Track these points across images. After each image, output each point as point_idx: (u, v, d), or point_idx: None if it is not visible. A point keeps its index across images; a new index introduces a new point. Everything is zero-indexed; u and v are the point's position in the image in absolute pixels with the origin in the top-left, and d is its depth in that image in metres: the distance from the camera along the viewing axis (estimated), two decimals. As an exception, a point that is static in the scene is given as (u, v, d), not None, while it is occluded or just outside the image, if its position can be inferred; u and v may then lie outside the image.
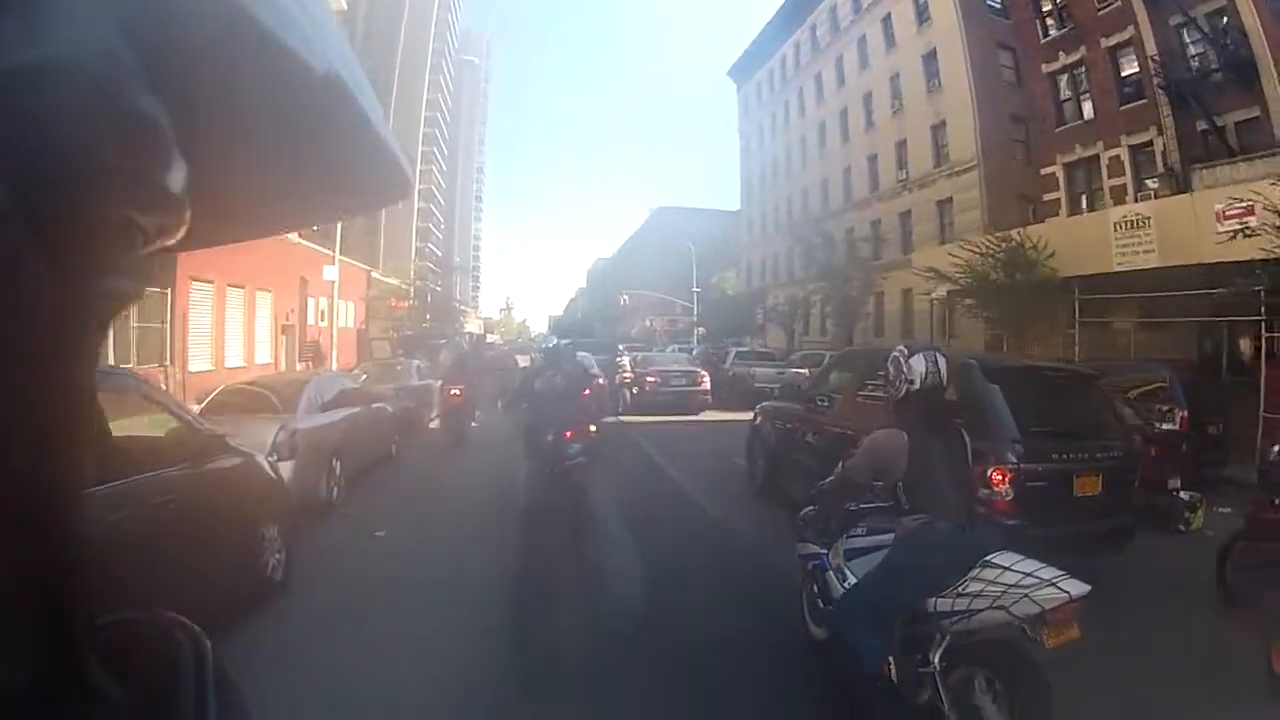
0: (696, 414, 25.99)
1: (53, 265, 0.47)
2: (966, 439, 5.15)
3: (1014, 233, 25.71)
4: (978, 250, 25.94)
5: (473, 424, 20.26)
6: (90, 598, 0.63)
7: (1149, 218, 21.99)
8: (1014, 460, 7.46)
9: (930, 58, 41.09)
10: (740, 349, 35.71)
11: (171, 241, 0.58)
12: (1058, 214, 30.68)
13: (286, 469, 9.69)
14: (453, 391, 20.02)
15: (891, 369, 5.21)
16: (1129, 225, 22.35)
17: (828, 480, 5.62)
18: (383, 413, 15.39)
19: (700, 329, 64.58)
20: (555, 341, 23.20)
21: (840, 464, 5.47)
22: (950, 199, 39.37)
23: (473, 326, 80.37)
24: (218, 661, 0.79)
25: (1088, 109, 30.87)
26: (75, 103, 0.46)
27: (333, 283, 28.42)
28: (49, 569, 0.55)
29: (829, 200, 51.93)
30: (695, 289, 67.73)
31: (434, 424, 21.21)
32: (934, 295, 30.00)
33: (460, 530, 10.42)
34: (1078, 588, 4.16)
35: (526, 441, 10.60)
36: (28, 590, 0.53)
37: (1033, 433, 7.93)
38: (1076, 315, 24.01)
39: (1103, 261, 22.59)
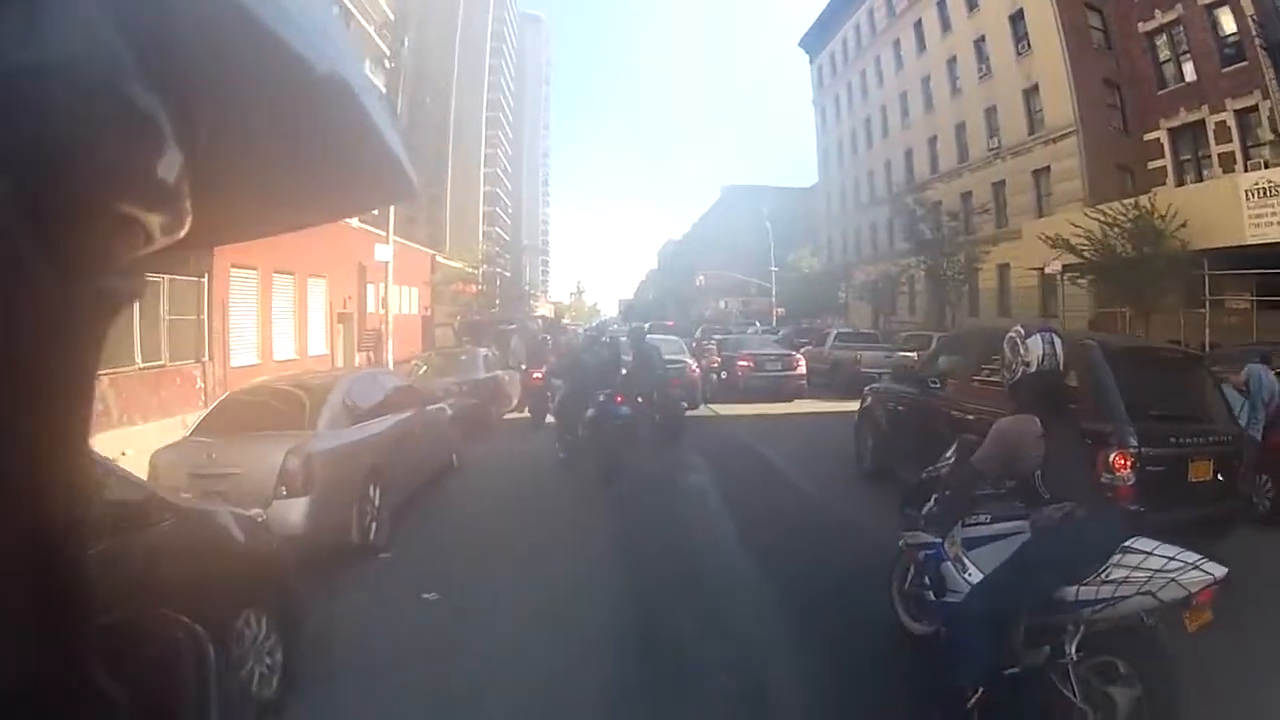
0: (790, 401, 24.49)
1: (54, 264, 0.48)
2: (1079, 422, 5.18)
3: (1144, 199, 24.05)
4: (1105, 219, 24.32)
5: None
6: (90, 598, 0.63)
7: None
8: (1135, 444, 7.27)
9: (1017, 18, 39.15)
10: (842, 330, 33.54)
11: (173, 241, 0.59)
12: (1164, 182, 29.05)
13: (298, 509, 7.70)
14: (535, 375, 19.93)
15: (1008, 351, 5.10)
16: (1262, 193, 21.13)
17: (941, 466, 5.67)
18: (440, 416, 12.87)
19: (779, 309, 62.93)
20: (633, 325, 22.00)
21: (954, 451, 5.55)
22: (1047, 168, 37.50)
23: (544, 310, 79.12)
24: (217, 661, 0.80)
25: (1189, 71, 29.27)
26: (75, 102, 0.46)
27: (387, 264, 26.59)
28: (49, 569, 0.56)
29: (914, 172, 50.07)
30: (773, 268, 65.55)
31: (511, 415, 20.34)
32: (1049, 268, 28.18)
33: (546, 582, 7.73)
34: (1219, 570, 4.17)
35: (563, 409, 13.65)
36: (28, 590, 0.54)
37: (1150, 416, 7.79)
38: (1207, 292, 22.62)
39: (1233, 232, 21.36)
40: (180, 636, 0.80)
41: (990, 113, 42.36)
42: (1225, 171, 26.35)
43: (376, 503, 9.03)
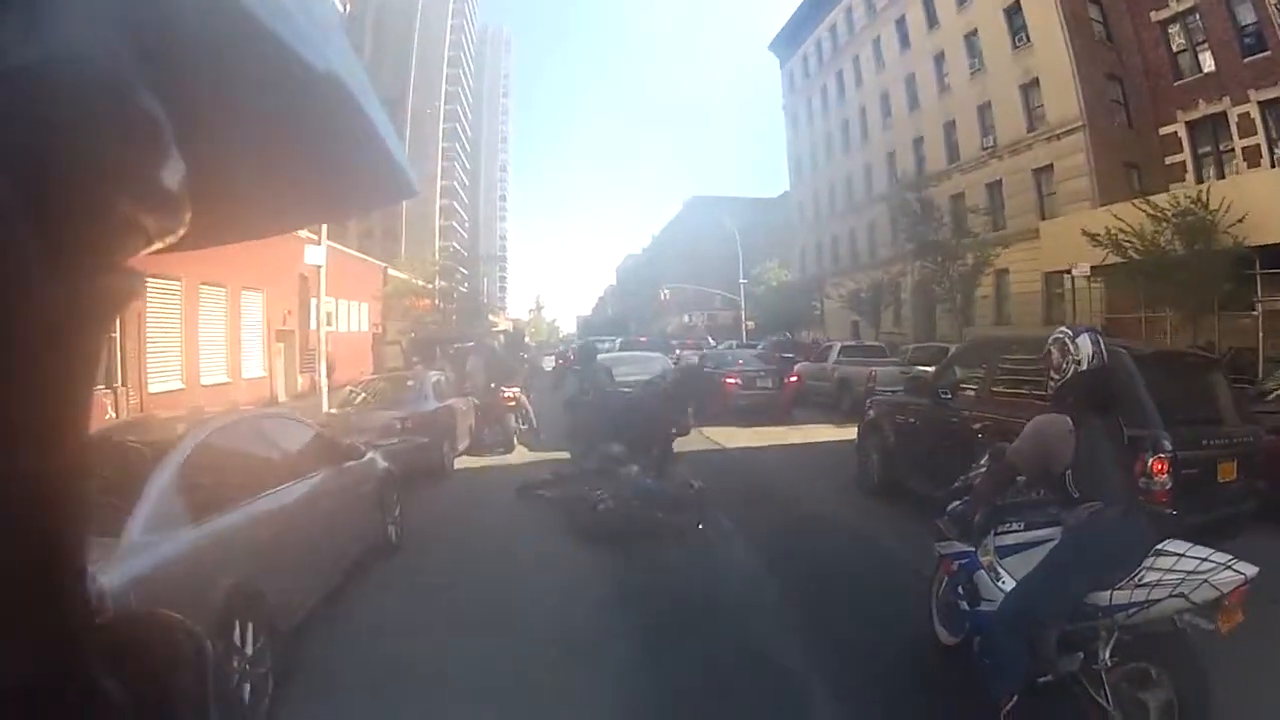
0: (786, 422, 22.06)
1: (55, 264, 0.49)
2: (1122, 424, 5.17)
3: (1191, 191, 22.59)
4: (1152, 212, 22.52)
5: (540, 436, 17.92)
6: (90, 598, 0.64)
7: None
8: (1170, 448, 7.43)
9: (1014, 10, 37.46)
10: (846, 344, 29.50)
11: (172, 241, 0.61)
12: (1183, 178, 27.98)
13: None
14: (506, 395, 17.75)
15: (1055, 352, 5.19)
16: None
17: (975, 473, 5.79)
18: (368, 472, 8.83)
19: (749, 323, 60.96)
20: (583, 341, 19.91)
21: (987, 457, 5.73)
22: (1050, 166, 35.77)
23: (504, 326, 76.45)
24: (217, 661, 0.77)
25: (1207, 61, 28.02)
26: (76, 103, 0.47)
27: (319, 268, 22.86)
28: (49, 569, 0.57)
29: (896, 175, 47.57)
30: (742, 280, 63.31)
31: (471, 458, 16.72)
32: (1075, 270, 26.17)
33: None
34: (1250, 569, 4.22)
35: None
36: (28, 590, 0.55)
37: (1180, 420, 7.95)
38: (1259, 293, 21.37)
39: None
40: (180, 636, 0.79)
41: (984, 110, 40.66)
42: (1251, 166, 25.46)
43: (248, 652, 5.03)
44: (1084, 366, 5.03)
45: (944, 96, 44.11)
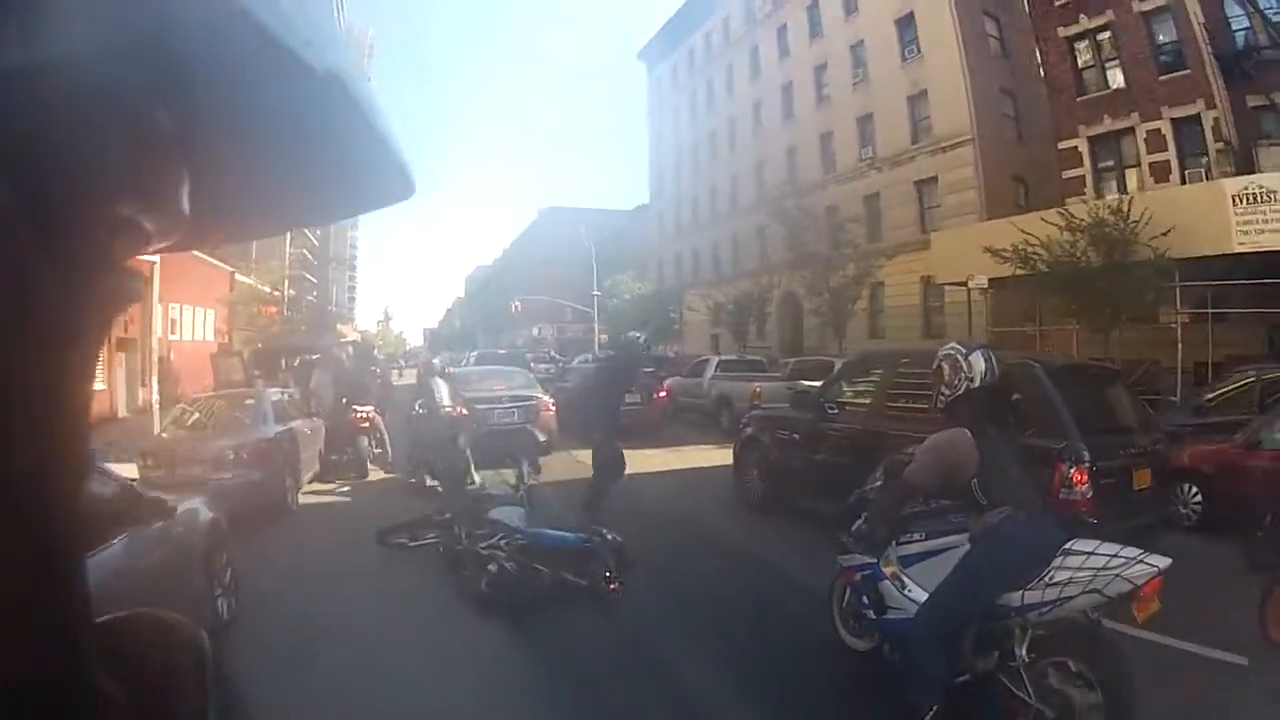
0: (657, 443, 19.40)
1: (53, 265, 0.49)
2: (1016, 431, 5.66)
3: (1111, 201, 22.40)
4: (1063, 224, 21.89)
5: (388, 465, 16.02)
6: (90, 598, 0.63)
7: (1275, 191, 19.56)
8: (1088, 458, 7.66)
9: (906, 22, 36.79)
10: (725, 359, 27.98)
11: (172, 241, 0.62)
12: (1082, 192, 27.79)
13: None
14: (359, 414, 15.77)
15: (947, 368, 5.37)
16: (1251, 199, 19.85)
17: (872, 488, 5.98)
18: (184, 536, 6.63)
19: (603, 336, 58.93)
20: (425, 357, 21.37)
21: (880, 471, 6.06)
22: (934, 178, 35.18)
23: (352, 337, 72.32)
24: (217, 661, 0.81)
25: (1115, 78, 28.16)
26: (75, 103, 0.47)
27: (153, 264, 19.52)
28: (49, 569, 0.56)
29: (764, 186, 46.75)
30: (595, 292, 61.84)
31: (321, 488, 14.38)
32: (971, 283, 25.17)
33: None
34: (1163, 561, 4.47)
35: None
36: (28, 590, 0.55)
37: (1095, 430, 8.30)
38: (1179, 306, 21.21)
39: (1218, 240, 19.93)
40: (180, 636, 0.80)
41: (864, 121, 39.92)
42: (1159, 181, 25.81)
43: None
44: (976, 383, 5.20)
45: (822, 107, 43.27)
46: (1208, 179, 23.97)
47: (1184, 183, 24.79)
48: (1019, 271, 22.83)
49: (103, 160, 0.48)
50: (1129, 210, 21.03)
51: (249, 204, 0.69)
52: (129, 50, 0.47)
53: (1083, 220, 21.65)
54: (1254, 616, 6.54)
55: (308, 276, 64.17)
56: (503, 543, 8.15)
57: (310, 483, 13.95)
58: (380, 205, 0.78)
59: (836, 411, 10.96)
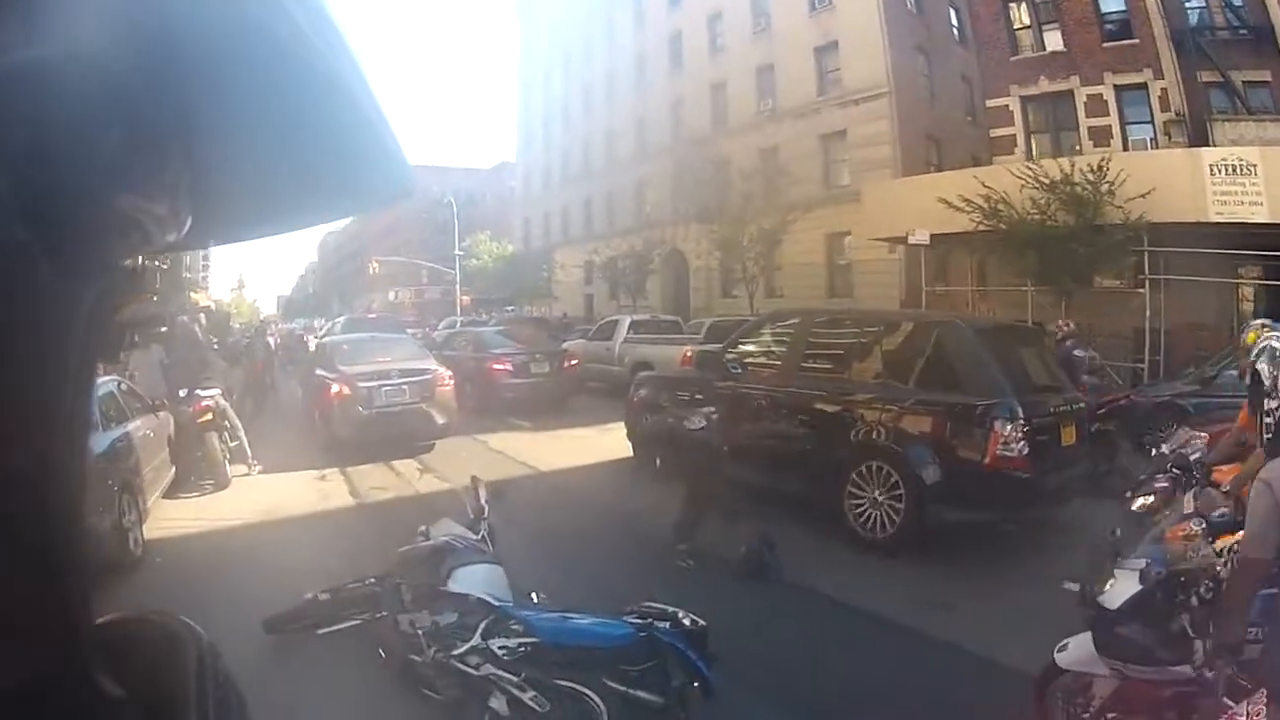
0: (572, 419, 17.35)
1: (54, 264, 0.49)
2: None
3: (1102, 159, 21.06)
4: (1033, 180, 20.99)
5: (250, 462, 12.68)
6: (90, 598, 0.64)
7: (1255, 164, 19.32)
8: (1023, 415, 7.87)
9: None
10: (637, 319, 24.80)
11: (172, 241, 0.62)
12: (1012, 151, 27.92)
13: None
14: (201, 402, 11.87)
15: (1268, 366, 4.00)
16: (1231, 169, 19.61)
17: (1134, 596, 4.13)
18: None
19: (465, 298, 56.27)
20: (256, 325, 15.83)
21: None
22: (843, 132, 33.71)
23: (207, 304, 66.53)
24: (217, 661, 0.80)
25: (1053, 40, 28.64)
26: (76, 102, 0.47)
27: None
28: (49, 569, 0.57)
29: (646, 140, 45.33)
30: (458, 252, 58.06)
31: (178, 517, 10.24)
32: (913, 238, 23.73)
33: None
34: None
35: None
36: (28, 590, 0.55)
37: (1030, 388, 8.77)
38: (1147, 270, 20.78)
39: (1194, 209, 19.67)
40: (180, 636, 0.78)
41: (764, 72, 38.04)
42: (1098, 145, 25.62)
43: None
44: None
45: (715, 57, 41.32)
46: (1153, 147, 24.62)
47: (1125, 148, 24.86)
48: (982, 226, 21.66)
49: (102, 160, 0.49)
50: (1106, 170, 20.32)
51: (249, 203, 0.68)
52: (129, 51, 0.48)
53: (1050, 177, 20.90)
54: None
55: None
56: (499, 648, 4.59)
57: (162, 497, 10.39)
58: (380, 205, 0.78)
59: (740, 372, 10.62)
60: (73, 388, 0.53)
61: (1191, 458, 5.65)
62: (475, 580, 4.90)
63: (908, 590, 7.44)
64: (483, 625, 4.62)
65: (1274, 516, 3.72)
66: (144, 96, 0.50)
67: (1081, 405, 9.36)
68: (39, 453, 0.51)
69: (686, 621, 4.52)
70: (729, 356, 11.01)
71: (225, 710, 0.76)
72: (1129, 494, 6.00)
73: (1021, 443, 7.78)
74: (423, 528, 5.50)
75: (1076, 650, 4.61)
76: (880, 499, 8.63)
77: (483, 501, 5.83)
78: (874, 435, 8.95)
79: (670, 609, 4.62)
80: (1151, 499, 5.66)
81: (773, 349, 11.03)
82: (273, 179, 0.65)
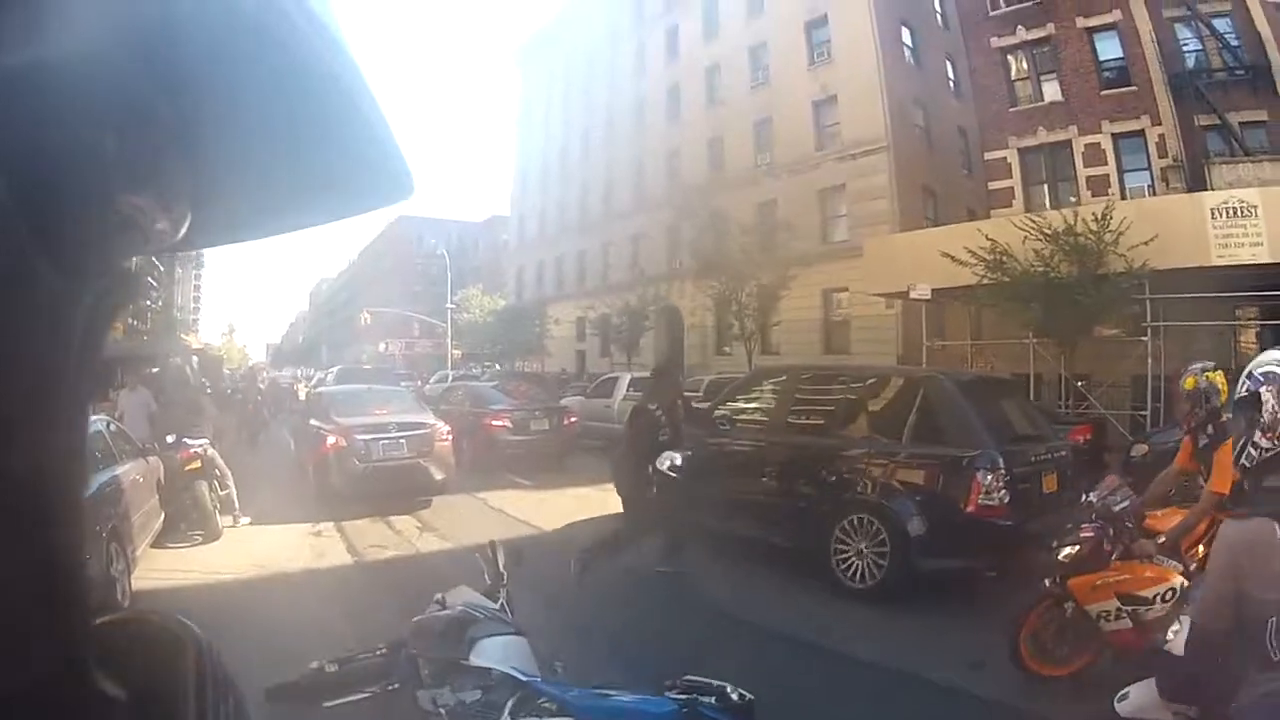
0: (573, 479, 16.56)
1: (54, 264, 0.49)
2: None
3: (1106, 207, 21.07)
4: (1036, 231, 20.99)
5: (236, 514, 12.11)
6: (90, 598, 0.64)
7: (1255, 206, 19.37)
8: (1004, 465, 8.04)
9: (817, 25, 35.58)
10: (638, 376, 24.04)
11: (172, 241, 0.63)
12: (1010, 204, 27.83)
13: None
14: (189, 449, 11.40)
15: (1273, 399, 3.55)
16: (1231, 212, 19.66)
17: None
18: None
19: (456, 352, 57.00)
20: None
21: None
22: (841, 186, 33.68)
23: (198, 348, 65.80)
24: (217, 661, 0.80)
25: (1050, 91, 28.43)
26: (75, 102, 0.47)
27: None
28: (49, 569, 0.57)
29: (642, 193, 45.23)
30: (450, 305, 58.83)
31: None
32: (914, 293, 23.63)
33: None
34: None
35: None
36: (28, 590, 0.55)
37: (1012, 437, 9.02)
38: (1149, 318, 20.61)
39: (1196, 253, 19.63)
40: (180, 636, 0.78)
41: (762, 125, 38.13)
42: (1096, 195, 25.36)
43: None
44: None
45: (711, 110, 41.46)
46: (1152, 195, 24.41)
47: (1123, 197, 24.63)
48: (986, 279, 21.61)
49: (102, 160, 0.49)
50: (1109, 219, 20.34)
51: (249, 204, 0.69)
52: (129, 51, 0.48)
53: (1054, 228, 20.88)
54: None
55: (150, 279, 58.06)
56: None
57: (151, 546, 9.95)
58: (380, 205, 0.76)
59: (729, 428, 10.70)
60: (72, 388, 0.54)
61: (1115, 508, 5.80)
62: (497, 653, 4.32)
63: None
64: (510, 703, 4.09)
65: (1228, 580, 3.57)
66: (144, 97, 0.51)
67: (1064, 454, 9.53)
68: (38, 453, 0.51)
69: (735, 696, 4.08)
70: (718, 414, 10.99)
71: (224, 710, 0.76)
72: (1054, 544, 6.16)
73: (1003, 491, 7.97)
74: (439, 596, 5.03)
75: (1139, 698, 4.50)
76: (865, 550, 8.76)
77: (501, 567, 5.44)
78: (859, 490, 9.09)
79: (715, 683, 4.14)
80: (1077, 549, 5.89)
81: (759, 405, 11.18)
82: (273, 179, 0.64)
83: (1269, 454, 3.65)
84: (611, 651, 6.76)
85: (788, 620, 7.98)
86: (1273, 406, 3.65)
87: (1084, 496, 6.42)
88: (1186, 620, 4.29)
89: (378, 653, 4.89)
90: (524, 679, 3.98)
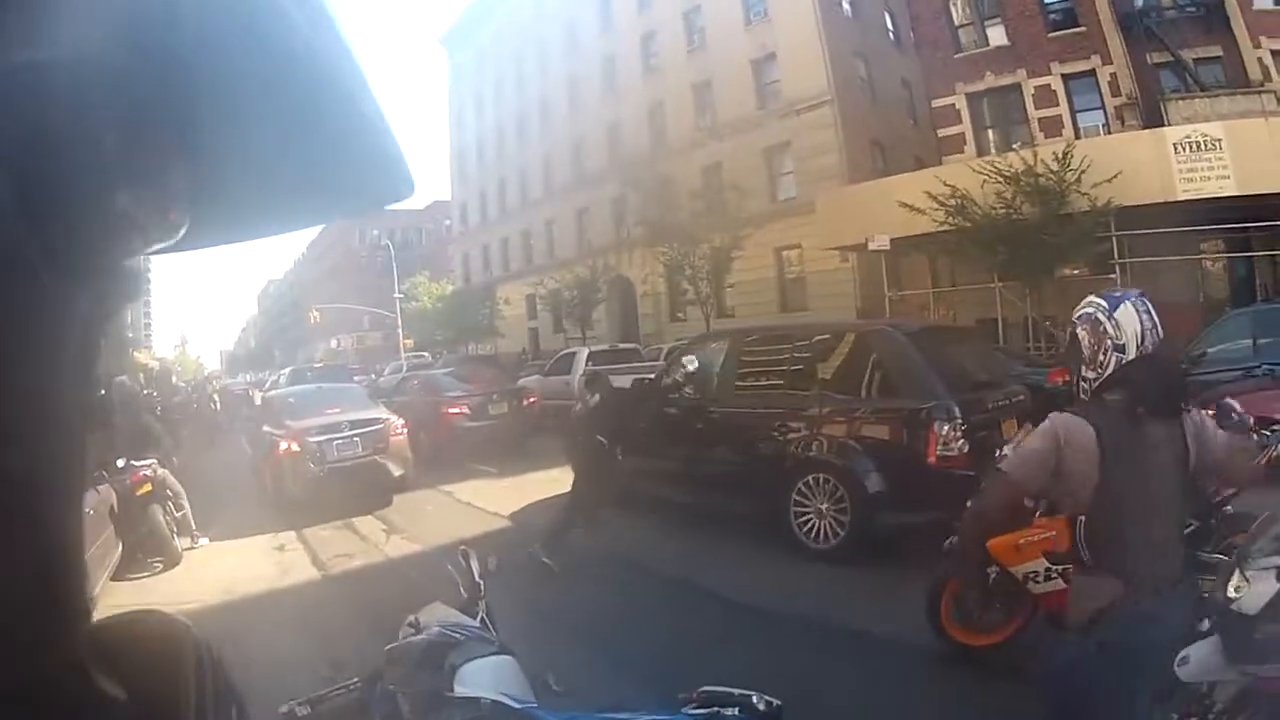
0: (536, 462, 15.43)
1: (53, 265, 0.49)
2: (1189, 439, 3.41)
3: (1066, 147, 21.09)
4: (995, 174, 21.01)
5: (193, 534, 11.29)
6: (89, 597, 0.65)
7: (1220, 139, 19.53)
8: (959, 414, 7.90)
9: None
10: (596, 350, 24.25)
11: (172, 241, 0.63)
12: (961, 150, 27.77)
13: None
14: (139, 473, 10.51)
15: (1086, 334, 3.53)
16: (1195, 146, 19.77)
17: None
18: None
19: (408, 341, 55.16)
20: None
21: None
22: (786, 143, 33.31)
23: (150, 364, 64.25)
24: (217, 661, 0.81)
25: (996, 35, 28.39)
26: (75, 102, 0.47)
27: None
28: (49, 569, 0.57)
29: (584, 165, 44.61)
30: (397, 295, 57.14)
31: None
32: (873, 244, 23.31)
33: None
34: None
35: None
36: (28, 590, 0.55)
37: (967, 385, 8.74)
38: (1115, 254, 20.60)
39: (1160, 189, 19.78)
40: (178, 636, 0.78)
41: (701, 89, 37.65)
42: (1049, 136, 25.40)
43: None
44: (1131, 352, 3.33)
45: (650, 78, 40.77)
46: (1106, 133, 24.48)
47: (1077, 136, 24.49)
48: (947, 225, 21.42)
49: (101, 160, 0.49)
50: (1069, 158, 20.32)
51: (249, 204, 0.69)
52: (128, 51, 0.48)
53: (1014, 169, 20.85)
54: None
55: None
56: None
57: (111, 579, 9.38)
58: (380, 204, 0.78)
59: (678, 396, 10.50)
60: (70, 388, 0.54)
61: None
62: (485, 678, 3.71)
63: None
64: None
65: (1042, 452, 3.40)
66: (144, 97, 0.50)
67: (1021, 398, 9.32)
68: (37, 453, 0.51)
69: (761, 705, 3.51)
70: (666, 382, 10.85)
71: (223, 709, 0.76)
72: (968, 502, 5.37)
73: (961, 441, 7.86)
74: (411, 618, 4.32)
75: (1201, 660, 4.12)
76: (826, 510, 8.65)
77: (477, 577, 4.74)
78: (815, 449, 8.96)
79: (738, 692, 3.56)
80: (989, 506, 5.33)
81: (708, 372, 10.72)
82: (272, 179, 0.65)
83: (1095, 383, 3.59)
84: (606, 653, 6.41)
85: (746, 587, 7.80)
86: (1089, 342, 3.60)
87: (998, 451, 6.03)
88: (1256, 576, 3.94)
89: (352, 688, 4.20)
90: (518, 706, 3.34)
